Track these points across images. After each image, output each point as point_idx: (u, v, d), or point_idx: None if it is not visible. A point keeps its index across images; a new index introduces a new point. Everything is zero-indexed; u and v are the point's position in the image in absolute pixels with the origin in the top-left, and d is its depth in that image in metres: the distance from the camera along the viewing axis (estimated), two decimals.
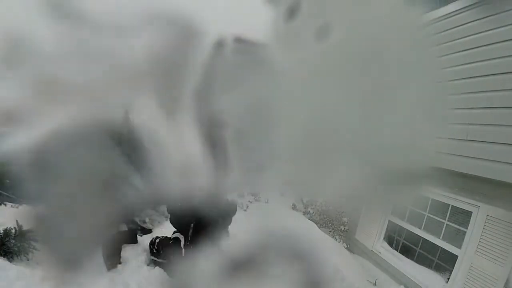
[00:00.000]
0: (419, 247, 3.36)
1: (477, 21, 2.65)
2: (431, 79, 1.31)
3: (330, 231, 4.41)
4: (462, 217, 2.93)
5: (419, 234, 3.36)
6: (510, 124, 2.32)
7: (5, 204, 3.72)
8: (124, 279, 2.60)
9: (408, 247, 3.51)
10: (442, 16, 2.98)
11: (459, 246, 2.86)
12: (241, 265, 2.08)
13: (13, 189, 4.10)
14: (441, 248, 3.06)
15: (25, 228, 2.73)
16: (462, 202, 2.92)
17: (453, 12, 2.89)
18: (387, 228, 3.87)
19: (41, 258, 2.50)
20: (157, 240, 2.85)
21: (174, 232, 2.83)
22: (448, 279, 2.89)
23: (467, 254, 2.74)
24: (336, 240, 4.24)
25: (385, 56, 1.17)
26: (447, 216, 3.09)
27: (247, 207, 4.61)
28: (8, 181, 4.07)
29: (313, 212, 4.83)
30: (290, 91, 1.30)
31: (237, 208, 3.05)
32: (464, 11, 2.79)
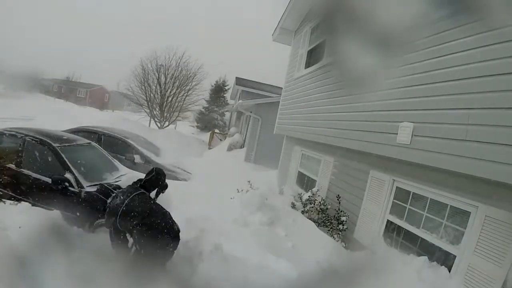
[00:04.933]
0: (417, 246, 3.37)
1: (476, 22, 2.64)
2: None
3: (329, 230, 4.41)
4: (461, 217, 2.93)
5: (417, 234, 3.36)
6: (510, 125, 2.31)
7: (4, 202, 3.73)
8: None
9: (407, 246, 3.51)
10: (441, 17, 2.98)
11: (457, 247, 2.87)
12: None
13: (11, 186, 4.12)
14: (439, 248, 3.06)
15: None
16: (460, 202, 2.93)
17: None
18: (385, 228, 3.87)
19: None
20: None
21: None
22: None
23: (465, 254, 2.75)
24: (335, 239, 4.25)
25: None
26: (446, 216, 3.09)
27: None
28: (6, 177, 4.08)
29: (312, 211, 4.83)
30: None
31: None
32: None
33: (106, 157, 5.18)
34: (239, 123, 18.96)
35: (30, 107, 15.22)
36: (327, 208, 4.80)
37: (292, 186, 7.02)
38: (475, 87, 2.64)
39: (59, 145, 4.41)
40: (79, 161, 4.38)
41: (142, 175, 3.45)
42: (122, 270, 2.99)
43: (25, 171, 4.23)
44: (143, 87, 22.94)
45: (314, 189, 5.27)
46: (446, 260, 2.97)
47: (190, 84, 24.31)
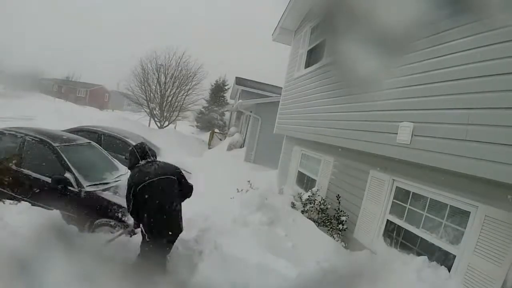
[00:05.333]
0: (417, 246, 3.37)
1: (476, 22, 2.64)
2: None
3: (329, 230, 4.41)
4: (460, 217, 2.93)
5: (417, 234, 3.37)
6: (510, 125, 2.31)
7: (3, 202, 3.73)
8: None
9: (406, 246, 3.51)
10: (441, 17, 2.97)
11: (457, 246, 2.87)
12: None
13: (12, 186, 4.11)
14: (439, 248, 3.06)
15: None
16: (460, 202, 2.93)
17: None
18: (385, 228, 3.87)
19: None
20: None
21: None
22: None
23: (464, 254, 2.75)
24: (334, 239, 4.25)
25: None
26: (445, 216, 3.09)
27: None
28: (6, 177, 4.08)
29: (312, 211, 4.83)
30: None
31: None
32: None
33: (106, 156, 5.18)
34: (239, 123, 18.97)
35: (30, 106, 15.21)
36: (327, 208, 4.80)
37: (292, 186, 7.03)
38: (475, 87, 2.64)
39: (59, 144, 4.41)
40: (79, 161, 4.38)
41: None
42: (122, 270, 2.99)
43: (25, 171, 4.23)
44: (143, 86, 22.94)
45: (314, 189, 5.26)
46: (445, 260, 2.97)
47: (190, 83, 24.33)
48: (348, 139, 4.62)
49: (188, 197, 3.22)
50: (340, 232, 4.39)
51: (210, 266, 3.17)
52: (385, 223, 3.88)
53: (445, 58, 3.00)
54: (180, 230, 3.04)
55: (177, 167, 3.22)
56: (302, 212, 4.88)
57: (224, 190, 5.98)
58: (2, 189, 4.10)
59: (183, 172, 3.26)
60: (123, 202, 3.93)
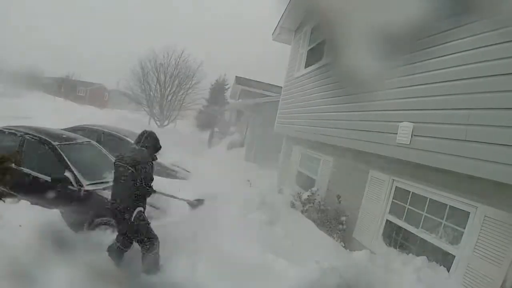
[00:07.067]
0: (416, 246, 3.37)
1: (476, 22, 2.64)
2: None
3: (328, 230, 4.41)
4: (460, 217, 2.93)
5: (416, 234, 3.37)
6: (510, 125, 2.31)
7: (3, 200, 3.73)
8: None
9: (406, 246, 3.51)
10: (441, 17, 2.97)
11: (457, 247, 2.87)
12: None
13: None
14: (438, 248, 3.06)
15: None
16: (459, 202, 2.92)
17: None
18: (384, 228, 3.87)
19: None
20: None
21: None
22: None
23: (464, 254, 2.75)
24: (334, 239, 4.25)
25: None
26: (445, 216, 3.09)
27: None
28: (7, 176, 4.07)
29: (311, 211, 4.83)
30: None
31: None
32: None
33: (105, 155, 5.17)
34: (239, 122, 18.95)
35: (29, 105, 15.19)
36: (326, 208, 4.80)
37: (292, 186, 7.02)
38: (475, 87, 2.64)
39: (59, 143, 4.41)
40: (78, 160, 4.37)
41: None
42: (120, 268, 2.99)
43: (25, 170, 4.22)
44: (142, 86, 22.94)
45: (314, 189, 5.26)
46: (445, 260, 2.97)
47: (189, 82, 24.31)
48: (348, 139, 4.62)
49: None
50: (339, 232, 4.39)
51: (209, 266, 3.17)
52: (384, 223, 3.88)
53: (445, 58, 3.00)
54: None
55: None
56: (302, 211, 4.88)
57: (223, 190, 5.97)
58: (2, 188, 4.10)
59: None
60: None
